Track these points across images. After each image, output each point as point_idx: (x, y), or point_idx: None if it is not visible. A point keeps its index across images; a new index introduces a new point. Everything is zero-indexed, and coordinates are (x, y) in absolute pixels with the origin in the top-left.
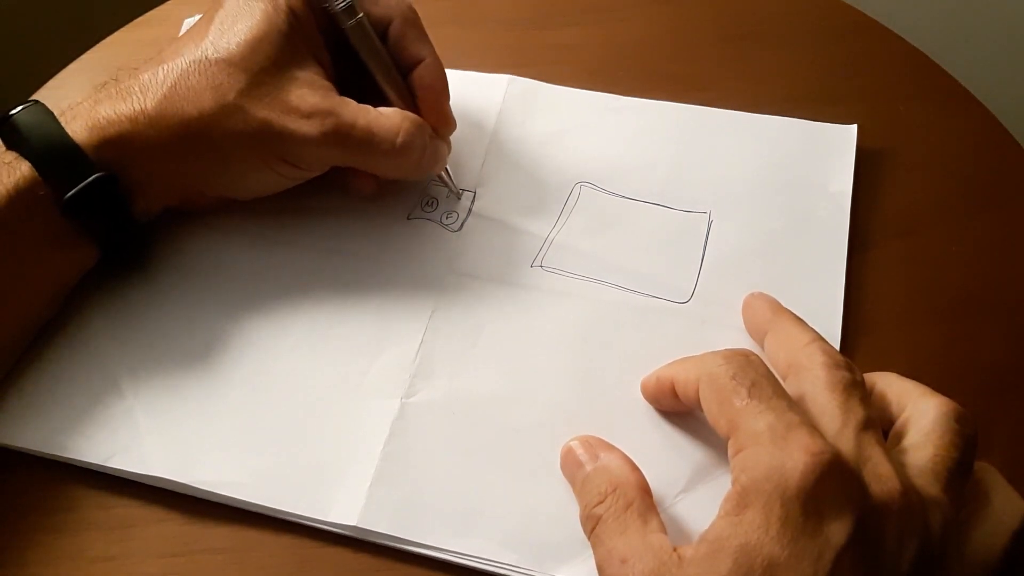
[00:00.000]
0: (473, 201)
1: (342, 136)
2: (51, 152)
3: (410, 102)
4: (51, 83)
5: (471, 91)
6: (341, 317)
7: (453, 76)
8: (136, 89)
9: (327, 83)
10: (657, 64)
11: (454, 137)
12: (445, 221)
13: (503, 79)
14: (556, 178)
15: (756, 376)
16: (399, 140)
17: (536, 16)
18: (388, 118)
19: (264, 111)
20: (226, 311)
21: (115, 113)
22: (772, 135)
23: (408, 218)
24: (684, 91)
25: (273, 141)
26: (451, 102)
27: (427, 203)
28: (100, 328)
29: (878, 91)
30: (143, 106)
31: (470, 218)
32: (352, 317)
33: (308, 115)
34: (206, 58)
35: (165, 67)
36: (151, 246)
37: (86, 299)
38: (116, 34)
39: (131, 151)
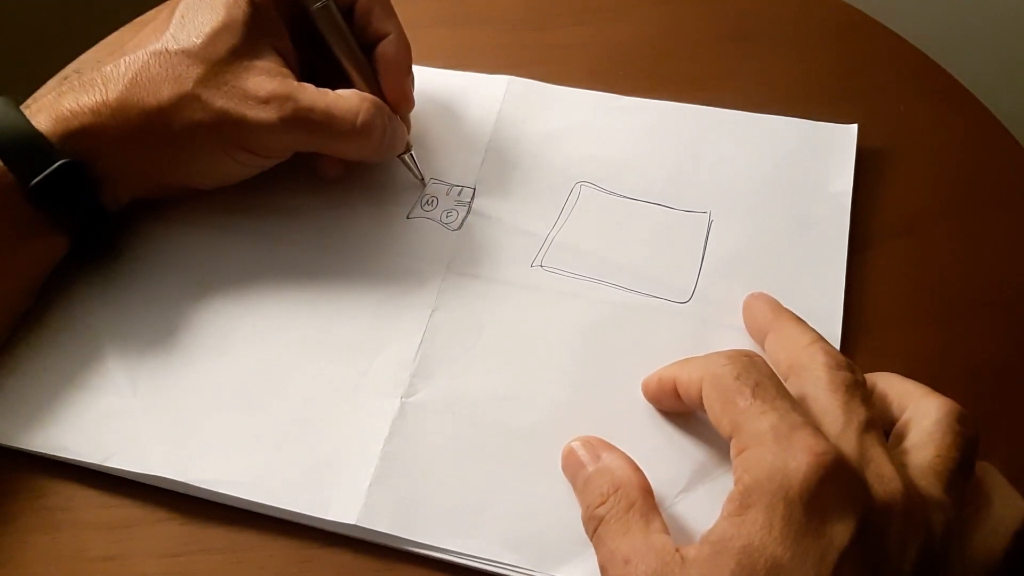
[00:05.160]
0: (472, 200)
1: (301, 120)
2: (16, 142)
3: (373, 82)
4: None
5: (471, 91)
6: (341, 316)
7: (453, 77)
8: (99, 81)
9: (286, 70)
10: (657, 64)
11: (453, 137)
12: (445, 220)
13: (503, 79)
14: (556, 178)
15: (760, 377)
16: (359, 121)
17: (536, 16)
18: (346, 100)
19: (222, 100)
20: (226, 311)
21: (78, 105)
22: (772, 135)
23: (408, 217)
24: (684, 91)
25: (232, 129)
26: (451, 102)
27: (427, 202)
28: (100, 328)
29: (878, 91)
30: (105, 98)
31: (470, 217)
32: (352, 316)
33: (266, 101)
34: (166, 50)
35: (127, 59)
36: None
37: (83, 298)
38: (116, 34)
39: (95, 142)
